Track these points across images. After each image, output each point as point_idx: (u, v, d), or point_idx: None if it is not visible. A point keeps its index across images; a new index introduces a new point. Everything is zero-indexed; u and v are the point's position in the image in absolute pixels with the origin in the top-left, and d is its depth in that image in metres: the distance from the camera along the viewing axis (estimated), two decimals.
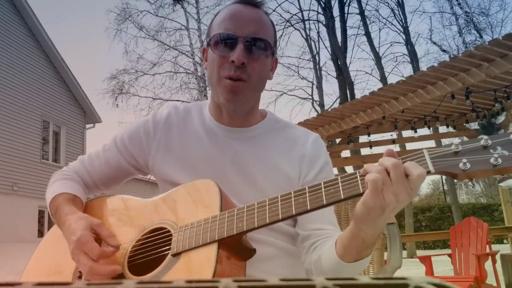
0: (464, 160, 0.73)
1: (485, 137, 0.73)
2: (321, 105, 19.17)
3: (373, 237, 0.82)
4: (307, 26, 20.17)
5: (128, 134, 1.16)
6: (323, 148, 1.14)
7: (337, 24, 18.52)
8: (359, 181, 0.77)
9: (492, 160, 0.71)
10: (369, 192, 0.74)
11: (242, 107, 1.07)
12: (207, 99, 1.22)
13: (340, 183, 0.79)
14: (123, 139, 1.16)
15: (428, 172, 0.74)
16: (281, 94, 20.25)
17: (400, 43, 20.24)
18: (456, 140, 0.75)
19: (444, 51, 20.34)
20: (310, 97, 20.47)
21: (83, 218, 0.97)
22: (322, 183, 0.81)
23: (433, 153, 0.76)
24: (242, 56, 0.98)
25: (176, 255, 0.89)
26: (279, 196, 0.84)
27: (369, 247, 0.85)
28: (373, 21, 20.34)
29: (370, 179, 0.74)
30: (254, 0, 1.05)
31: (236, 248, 0.88)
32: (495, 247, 6.15)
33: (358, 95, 16.72)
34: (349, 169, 10.17)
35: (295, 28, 20.03)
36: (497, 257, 4.42)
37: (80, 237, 0.91)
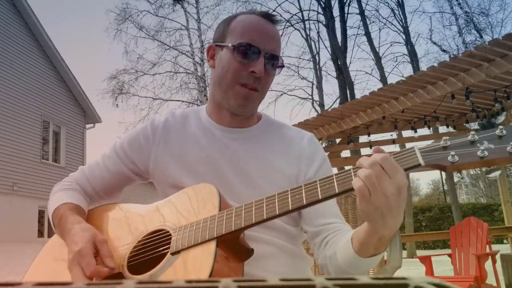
0: (453, 153, 0.76)
1: (472, 132, 0.76)
2: (321, 105, 19.18)
3: (390, 235, 0.83)
4: (307, 26, 20.22)
5: (128, 140, 1.18)
6: (318, 145, 1.17)
7: (337, 24, 18.56)
8: (353, 175, 0.80)
9: (479, 152, 0.74)
10: (358, 200, 0.77)
11: (248, 113, 1.13)
12: (207, 99, 1.24)
13: (335, 178, 0.82)
14: (123, 146, 1.18)
15: (419, 165, 0.77)
16: (281, 94, 20.28)
17: (400, 43, 20.29)
18: (445, 137, 0.79)
19: (444, 51, 20.39)
20: (310, 97, 20.51)
21: (88, 230, 0.97)
22: (317, 180, 0.83)
23: (423, 148, 0.79)
24: (263, 70, 1.04)
25: (175, 253, 0.90)
26: (276, 194, 0.86)
27: (385, 244, 0.86)
28: (373, 21, 20.43)
29: (356, 187, 0.77)
30: (276, 17, 1.12)
31: (234, 247, 0.89)
32: (495, 247, 6.14)
33: (358, 95, 16.76)
34: None
35: (295, 28, 20.07)
36: (497, 257, 4.42)
37: (80, 249, 0.91)
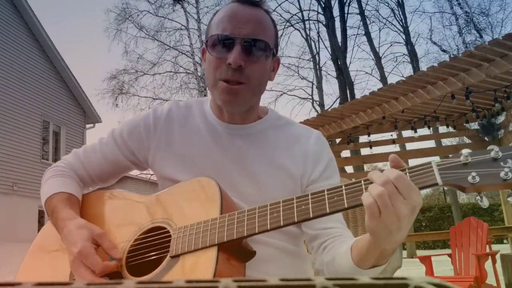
0: (474, 174, 0.70)
1: (496, 149, 0.70)
2: (321, 105, 19.18)
3: (393, 248, 0.80)
4: (307, 26, 20.22)
5: (128, 129, 1.14)
6: (325, 145, 1.12)
7: (337, 24, 18.56)
8: (364, 189, 0.75)
9: (502, 174, 0.68)
10: (367, 217, 0.73)
11: (241, 108, 1.04)
12: None
13: (344, 191, 0.77)
14: (122, 134, 1.14)
15: (436, 185, 0.72)
16: (281, 94, 20.28)
17: (400, 43, 20.29)
18: (466, 150, 0.72)
19: (444, 51, 20.37)
20: (310, 97, 20.50)
21: (84, 227, 0.94)
22: (325, 191, 0.79)
23: (442, 164, 0.73)
24: (239, 59, 0.95)
25: (175, 257, 0.88)
26: (281, 202, 0.83)
27: (387, 256, 0.83)
28: (373, 21, 20.37)
29: (365, 204, 0.72)
30: None
31: (235, 251, 0.87)
32: (495, 247, 6.14)
33: (358, 95, 16.74)
34: (349, 169, 10.16)
35: (295, 28, 20.08)
36: (497, 257, 4.42)
37: (81, 249, 0.89)
